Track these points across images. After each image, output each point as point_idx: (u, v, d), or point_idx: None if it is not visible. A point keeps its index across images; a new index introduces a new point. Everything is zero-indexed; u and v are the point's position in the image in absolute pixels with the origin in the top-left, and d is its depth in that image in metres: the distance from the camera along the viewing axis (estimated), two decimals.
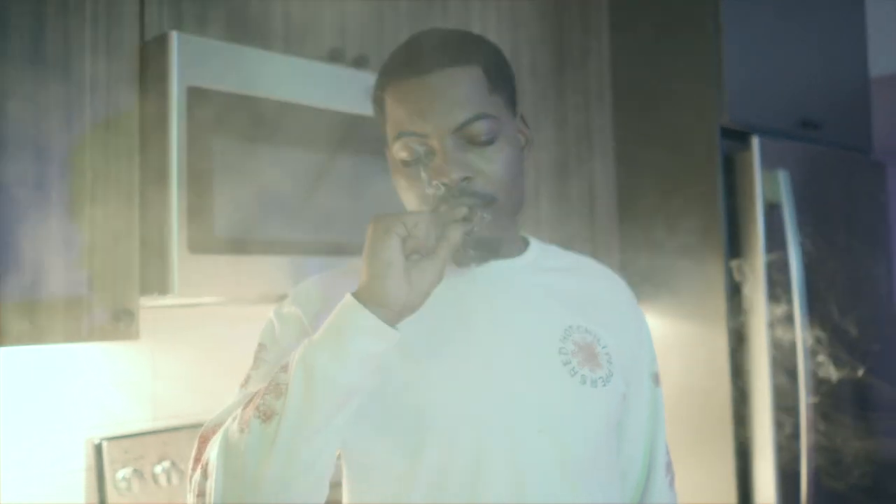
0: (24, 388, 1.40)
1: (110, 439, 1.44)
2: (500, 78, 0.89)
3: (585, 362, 0.89)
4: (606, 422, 0.91)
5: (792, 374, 1.85)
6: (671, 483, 1.01)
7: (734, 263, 1.89)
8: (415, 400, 0.84)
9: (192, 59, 1.23)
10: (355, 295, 0.76)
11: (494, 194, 0.85)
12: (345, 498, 0.93)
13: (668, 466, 1.02)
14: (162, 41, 1.23)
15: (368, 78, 1.46)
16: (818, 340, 1.94)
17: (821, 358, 1.96)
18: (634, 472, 0.99)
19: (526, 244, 0.97)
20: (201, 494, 0.78)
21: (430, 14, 1.68)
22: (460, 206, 0.81)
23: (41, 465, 1.41)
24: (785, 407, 1.85)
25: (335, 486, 0.84)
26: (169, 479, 1.47)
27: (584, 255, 1.04)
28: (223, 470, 0.76)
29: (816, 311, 1.95)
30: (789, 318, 1.86)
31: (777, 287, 1.86)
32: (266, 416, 0.74)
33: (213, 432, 0.82)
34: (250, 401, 0.78)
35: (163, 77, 1.22)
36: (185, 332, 1.60)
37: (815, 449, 1.86)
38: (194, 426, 1.55)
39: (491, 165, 0.85)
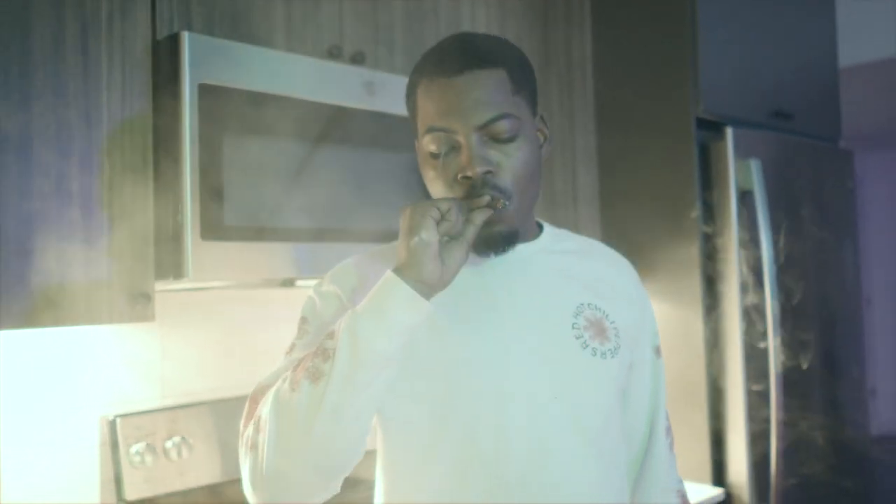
0: (40, 368, 1.48)
1: (124, 416, 1.53)
2: (523, 80, 0.97)
3: (596, 336, 0.98)
4: (615, 389, 1.01)
5: (763, 354, 1.96)
6: (670, 445, 1.12)
7: (709, 247, 1.99)
8: (444, 371, 0.93)
9: (202, 58, 1.31)
10: (395, 271, 0.85)
11: (513, 188, 0.93)
12: (378, 461, 1.02)
13: (668, 431, 1.12)
14: (174, 41, 1.30)
15: (365, 73, 1.56)
16: (788, 321, 2.05)
17: (791, 338, 2.07)
18: (638, 435, 1.10)
19: (540, 228, 1.06)
20: (254, 447, 0.86)
21: (422, 12, 1.76)
22: (483, 195, 0.90)
23: (58, 440, 1.49)
24: (757, 387, 1.96)
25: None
26: (179, 453, 1.56)
27: (592, 239, 1.14)
28: (275, 425, 0.84)
29: (787, 292, 2.06)
30: (761, 298, 1.96)
31: (749, 269, 1.96)
32: (315, 377, 0.83)
33: (262, 394, 0.91)
34: (300, 363, 0.86)
35: (175, 75, 1.30)
36: (191, 314, 1.68)
37: (785, 429, 1.96)
38: (201, 404, 1.64)
39: (511, 161, 0.93)
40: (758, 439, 1.94)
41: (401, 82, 1.60)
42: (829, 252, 2.33)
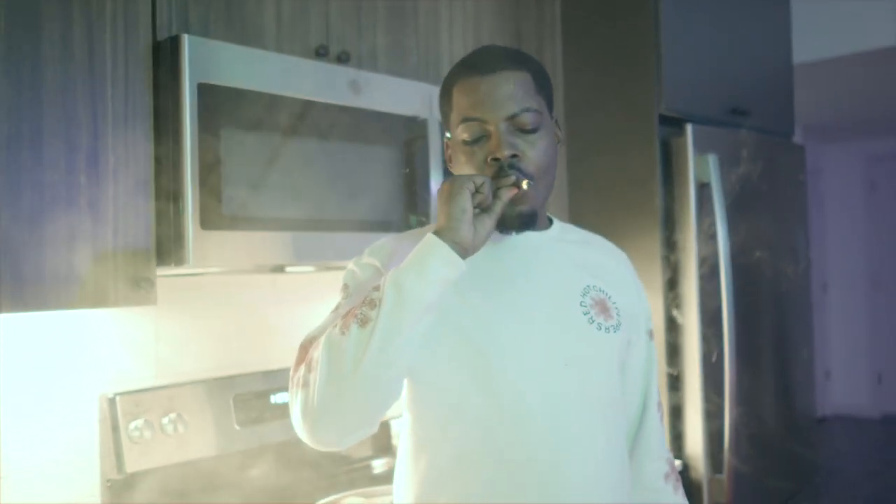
0: (42, 350, 1.56)
1: (123, 394, 1.62)
2: (544, 84, 1.14)
3: (600, 313, 1.13)
4: (616, 360, 1.16)
5: (719, 335, 2.10)
6: (661, 418, 1.28)
7: (669, 235, 2.13)
8: (472, 337, 1.07)
9: (200, 59, 1.40)
10: (435, 233, 0.98)
11: (534, 172, 1.08)
12: (407, 421, 1.14)
13: (659, 405, 1.28)
14: (174, 42, 1.39)
15: (350, 72, 1.66)
16: (743, 305, 2.19)
17: (745, 322, 2.22)
18: (633, 406, 1.25)
19: (551, 221, 1.22)
20: (305, 385, 0.99)
21: (403, 15, 1.86)
22: (510, 175, 1.04)
23: (59, 417, 1.58)
24: (712, 367, 2.10)
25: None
26: (175, 429, 1.65)
27: (594, 233, 1.29)
28: (326, 364, 0.97)
29: (742, 278, 2.20)
30: (717, 284, 2.10)
31: (706, 256, 2.11)
32: (363, 322, 0.96)
33: (311, 342, 1.03)
34: (348, 312, 0.99)
35: (176, 74, 1.39)
36: (184, 298, 1.78)
37: (738, 406, 2.09)
38: (196, 382, 1.73)
39: (533, 149, 1.09)
40: (713, 416, 2.08)
41: (383, 80, 1.72)
42: (782, 241, 2.49)
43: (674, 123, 2.14)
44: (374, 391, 0.98)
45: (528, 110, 1.08)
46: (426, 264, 0.97)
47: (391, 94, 1.71)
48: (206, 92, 1.40)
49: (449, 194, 1.00)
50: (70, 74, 1.31)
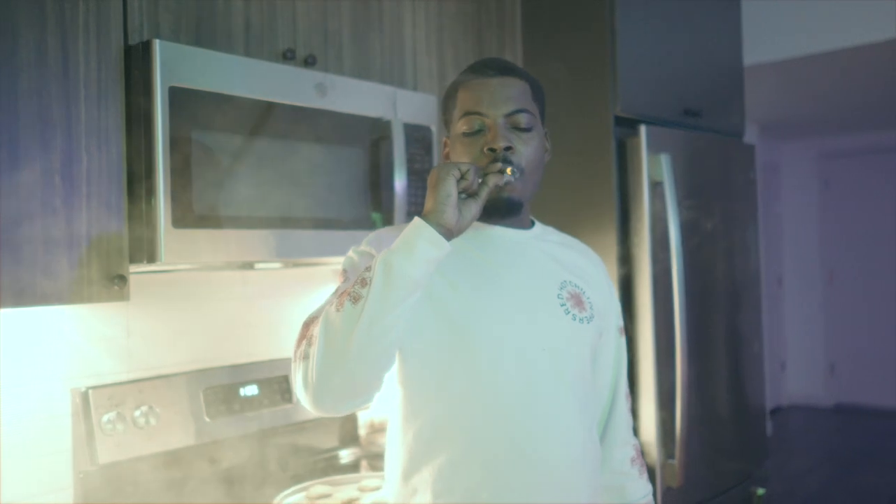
0: (14, 344, 1.60)
1: (95, 388, 1.66)
2: (539, 96, 1.28)
3: (575, 306, 1.24)
4: (589, 349, 1.26)
5: (670, 326, 2.20)
6: (629, 408, 1.40)
7: (625, 232, 2.22)
8: (457, 321, 1.16)
9: (171, 63, 1.45)
10: (421, 216, 1.07)
11: (525, 166, 1.20)
12: (398, 390, 1.22)
13: (627, 396, 1.40)
14: (146, 47, 1.44)
15: (316, 75, 1.72)
16: (695, 299, 2.29)
17: (697, 315, 2.32)
18: (604, 396, 1.36)
19: (533, 222, 1.33)
20: (306, 357, 1.07)
21: (368, 20, 1.92)
22: (500, 174, 1.15)
23: (33, 411, 1.62)
24: (665, 358, 2.20)
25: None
26: (147, 421, 1.71)
27: (571, 236, 1.40)
28: (323, 339, 1.05)
29: (694, 273, 2.30)
30: (670, 279, 2.20)
31: (660, 252, 2.20)
32: (355, 299, 1.04)
33: (313, 320, 1.11)
34: (343, 291, 1.07)
35: (147, 78, 1.44)
36: (156, 294, 1.83)
37: (689, 395, 2.19)
38: (166, 376, 1.78)
39: (526, 146, 1.21)
40: (665, 404, 2.18)
41: (348, 84, 1.78)
42: (734, 237, 2.59)
43: (629, 124, 2.23)
44: (367, 363, 1.06)
45: (524, 111, 1.21)
46: (413, 245, 1.04)
47: (357, 97, 1.78)
48: (177, 95, 1.45)
49: (436, 180, 1.07)
50: (45, 79, 1.36)
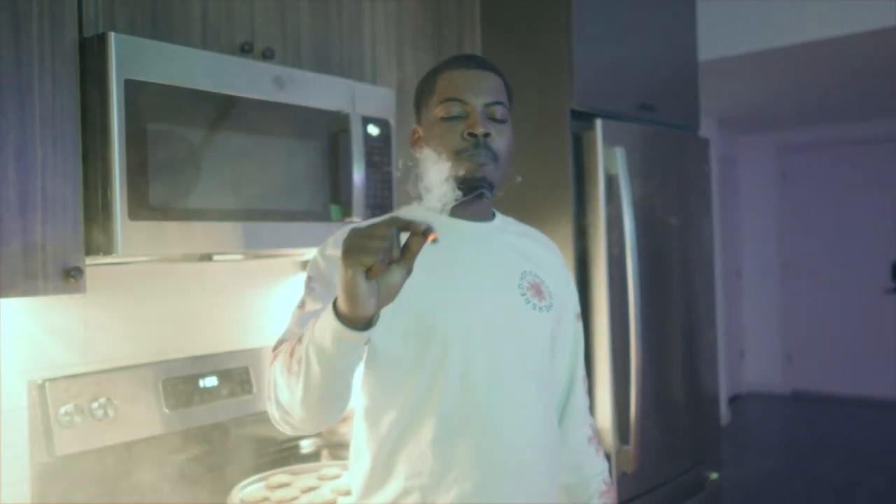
0: None
1: (52, 380, 1.66)
2: (509, 92, 1.33)
3: (535, 295, 1.29)
4: (549, 336, 1.31)
5: (625, 316, 2.25)
6: (585, 390, 1.46)
7: (581, 225, 2.27)
8: (423, 313, 1.20)
9: (127, 56, 1.45)
10: (335, 309, 1.00)
11: (498, 154, 1.25)
12: (370, 376, 1.25)
13: (584, 379, 1.45)
14: (101, 40, 1.44)
15: (274, 69, 1.73)
16: (650, 290, 2.35)
17: (652, 305, 2.37)
18: (562, 379, 1.41)
19: (494, 214, 1.37)
20: (269, 399, 1.17)
21: (326, 13, 1.93)
22: (478, 155, 1.22)
23: None
24: (620, 343, 2.25)
25: None
26: (105, 413, 1.71)
27: (530, 226, 1.45)
28: (275, 391, 1.13)
29: (649, 265, 2.36)
30: (625, 270, 2.25)
31: (615, 243, 2.25)
32: (296, 375, 1.07)
33: (278, 347, 1.17)
34: (291, 354, 1.09)
35: (103, 71, 1.44)
36: (113, 286, 1.83)
37: (644, 382, 2.25)
38: (124, 368, 1.79)
39: (501, 136, 1.27)
40: (620, 391, 2.23)
41: (307, 77, 1.79)
42: (688, 229, 2.65)
43: (585, 118, 2.26)
44: (319, 412, 1.11)
45: (500, 103, 1.28)
46: (331, 338, 1.01)
47: (315, 90, 1.79)
48: (133, 88, 1.46)
49: (342, 275, 0.97)
50: None
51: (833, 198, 7.05)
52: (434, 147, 1.23)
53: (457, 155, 1.22)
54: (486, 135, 1.23)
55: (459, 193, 1.18)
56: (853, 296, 6.92)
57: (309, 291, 1.23)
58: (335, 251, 1.22)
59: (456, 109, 1.25)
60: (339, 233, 1.27)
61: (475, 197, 1.24)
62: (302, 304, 1.23)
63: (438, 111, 1.26)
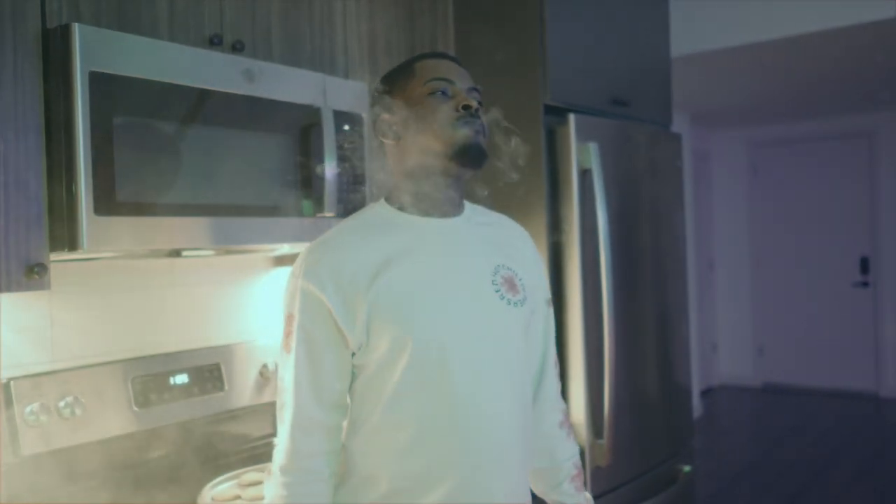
0: None
1: (17, 379, 1.63)
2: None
3: (509, 290, 1.29)
4: (523, 329, 1.32)
5: (599, 310, 2.26)
6: (557, 374, 1.46)
7: (555, 219, 2.27)
8: (399, 315, 1.20)
9: (92, 47, 1.42)
10: None
11: (486, 132, 1.28)
12: (350, 392, 1.27)
13: (556, 364, 1.46)
14: (65, 31, 1.41)
15: (244, 61, 1.71)
16: (623, 283, 2.36)
17: (625, 298, 2.38)
18: (535, 365, 1.42)
19: (463, 205, 1.35)
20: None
21: (297, 5, 1.91)
22: (473, 125, 1.24)
23: None
24: (593, 336, 2.26)
25: None
26: (73, 412, 1.68)
27: (500, 213, 1.44)
28: None
29: (622, 258, 2.37)
30: (598, 264, 2.26)
31: (588, 236, 2.25)
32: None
33: (282, 408, 1.25)
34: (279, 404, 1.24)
35: (67, 63, 1.40)
36: (79, 283, 1.79)
37: (617, 376, 2.27)
38: (91, 366, 1.76)
39: (484, 119, 1.29)
40: (594, 385, 2.24)
41: (277, 70, 1.77)
42: (661, 223, 2.67)
43: (558, 113, 2.26)
44: None
45: (478, 90, 1.30)
46: None
47: (286, 83, 1.77)
48: (97, 80, 1.42)
49: None
50: None
51: (804, 192, 7.14)
52: (425, 121, 1.24)
53: (453, 124, 1.23)
54: (478, 109, 1.25)
55: (454, 167, 1.24)
56: (823, 289, 7.02)
57: (289, 333, 1.23)
58: (312, 288, 1.20)
59: (443, 86, 1.26)
60: (309, 261, 1.23)
61: (474, 167, 1.26)
62: (289, 349, 1.23)
63: (425, 89, 1.26)
